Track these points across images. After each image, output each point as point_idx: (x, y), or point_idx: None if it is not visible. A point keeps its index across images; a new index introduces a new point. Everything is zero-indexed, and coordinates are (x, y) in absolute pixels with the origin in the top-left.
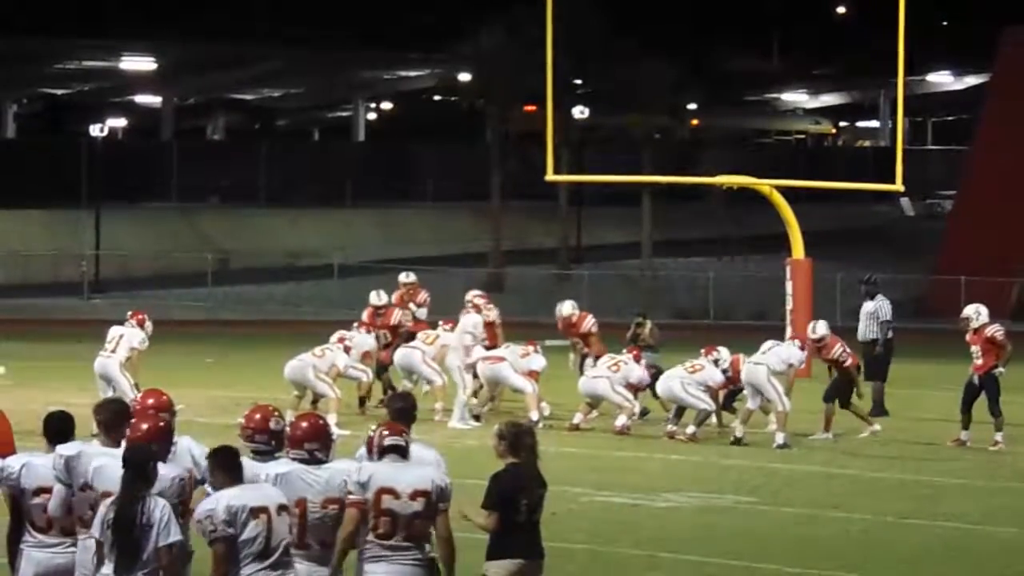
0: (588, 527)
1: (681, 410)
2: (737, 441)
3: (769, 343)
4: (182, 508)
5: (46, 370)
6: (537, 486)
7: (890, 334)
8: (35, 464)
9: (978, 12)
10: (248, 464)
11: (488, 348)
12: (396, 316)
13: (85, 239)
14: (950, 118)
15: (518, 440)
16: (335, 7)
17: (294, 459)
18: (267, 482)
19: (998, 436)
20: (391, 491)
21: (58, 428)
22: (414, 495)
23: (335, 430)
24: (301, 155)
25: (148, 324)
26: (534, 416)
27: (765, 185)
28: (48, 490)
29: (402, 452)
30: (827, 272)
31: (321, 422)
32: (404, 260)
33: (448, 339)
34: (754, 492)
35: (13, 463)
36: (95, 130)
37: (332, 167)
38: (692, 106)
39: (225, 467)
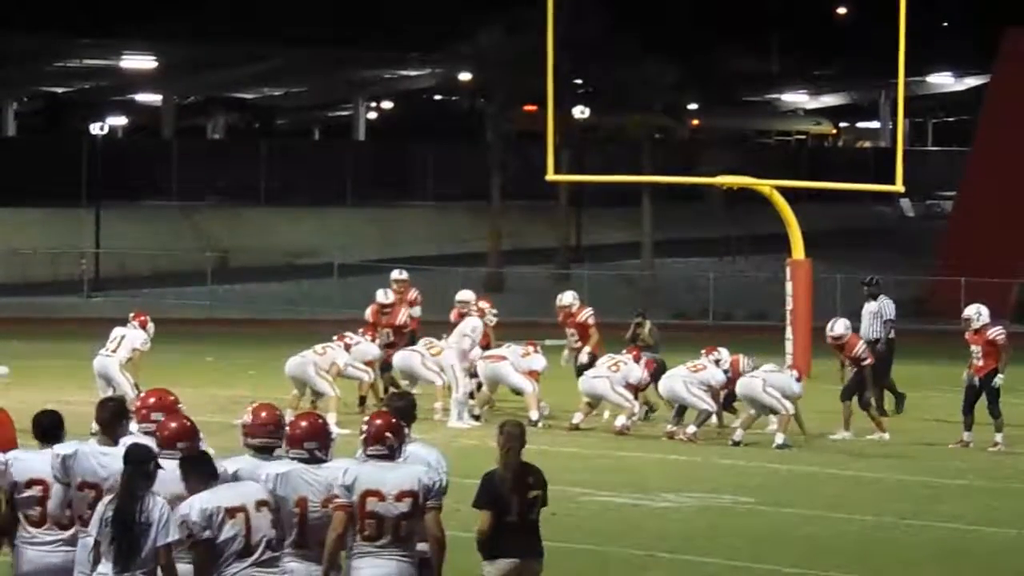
0: (588, 527)
1: (682, 410)
2: (736, 444)
3: (768, 367)
4: None
5: (46, 369)
6: (532, 486)
7: (892, 333)
8: (24, 456)
9: (979, 13)
10: (248, 462)
11: (482, 348)
12: (402, 316)
13: (85, 237)
14: (950, 119)
15: (510, 439)
16: (335, 7)
17: (294, 458)
18: (267, 482)
19: (998, 437)
20: (376, 493)
21: (47, 427)
22: (400, 496)
23: (334, 429)
24: (301, 154)
25: (150, 325)
26: (534, 416)
27: (765, 185)
28: (40, 481)
29: (389, 454)
30: (827, 272)
31: (320, 421)
32: (404, 259)
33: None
34: (754, 492)
35: (4, 457)
36: (95, 128)
37: (332, 167)
38: (692, 106)
39: (197, 471)
